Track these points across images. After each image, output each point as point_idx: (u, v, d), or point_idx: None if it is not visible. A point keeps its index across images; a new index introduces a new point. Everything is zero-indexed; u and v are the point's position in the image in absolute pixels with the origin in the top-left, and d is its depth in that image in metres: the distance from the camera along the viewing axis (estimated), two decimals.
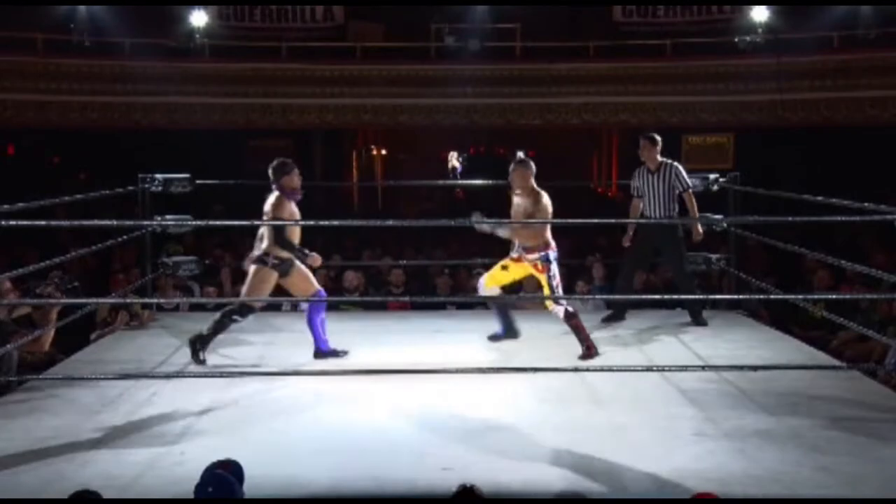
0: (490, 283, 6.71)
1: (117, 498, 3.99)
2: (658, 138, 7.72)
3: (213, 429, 5.03)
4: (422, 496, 4.13)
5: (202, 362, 6.25)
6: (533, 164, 6.63)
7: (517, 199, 6.61)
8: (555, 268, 6.51)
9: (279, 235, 6.25)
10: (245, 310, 6.35)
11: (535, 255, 6.50)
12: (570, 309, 6.49)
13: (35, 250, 10.35)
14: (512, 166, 6.64)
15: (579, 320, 6.50)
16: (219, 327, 6.34)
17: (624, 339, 7.13)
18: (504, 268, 6.69)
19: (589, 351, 6.45)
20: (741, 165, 10.99)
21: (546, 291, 6.51)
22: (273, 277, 6.36)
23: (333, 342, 6.50)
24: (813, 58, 14.94)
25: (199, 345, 6.30)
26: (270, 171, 6.38)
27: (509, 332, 6.88)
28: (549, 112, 15.87)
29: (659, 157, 7.64)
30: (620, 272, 7.95)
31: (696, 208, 7.60)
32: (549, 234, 6.52)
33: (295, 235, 6.38)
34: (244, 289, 6.42)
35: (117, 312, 7.78)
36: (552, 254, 6.50)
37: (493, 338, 6.88)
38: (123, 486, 4.21)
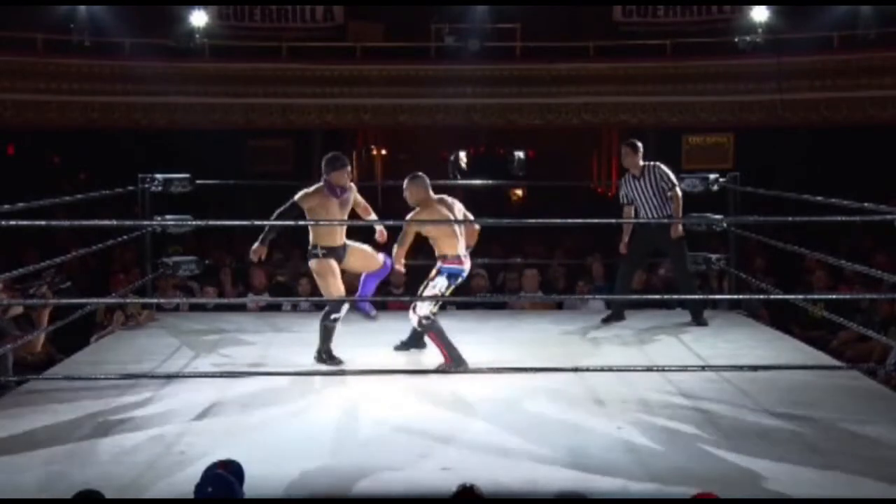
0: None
1: (117, 498, 3.99)
2: (639, 144, 7.73)
3: (213, 429, 5.03)
4: (422, 496, 4.13)
5: (340, 362, 6.32)
6: (426, 178, 6.40)
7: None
8: (442, 281, 6.32)
9: (275, 217, 6.21)
10: (335, 306, 6.33)
11: (440, 265, 6.37)
12: (426, 321, 6.26)
13: (35, 250, 10.34)
14: (406, 182, 6.42)
15: (437, 333, 6.26)
16: (327, 334, 6.34)
17: (624, 339, 7.13)
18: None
19: (447, 362, 6.21)
20: (741, 165, 10.98)
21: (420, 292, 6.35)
22: (333, 265, 6.34)
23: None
24: (813, 58, 14.92)
25: (324, 356, 6.33)
26: (323, 162, 6.34)
27: (416, 341, 6.63)
28: (549, 112, 15.84)
29: (641, 162, 7.63)
30: (619, 273, 7.95)
31: (681, 207, 7.57)
32: (460, 248, 6.39)
33: (335, 233, 6.35)
34: (321, 288, 6.42)
35: (113, 313, 7.78)
36: (453, 268, 6.35)
37: (400, 347, 6.70)
38: (123, 486, 4.21)
